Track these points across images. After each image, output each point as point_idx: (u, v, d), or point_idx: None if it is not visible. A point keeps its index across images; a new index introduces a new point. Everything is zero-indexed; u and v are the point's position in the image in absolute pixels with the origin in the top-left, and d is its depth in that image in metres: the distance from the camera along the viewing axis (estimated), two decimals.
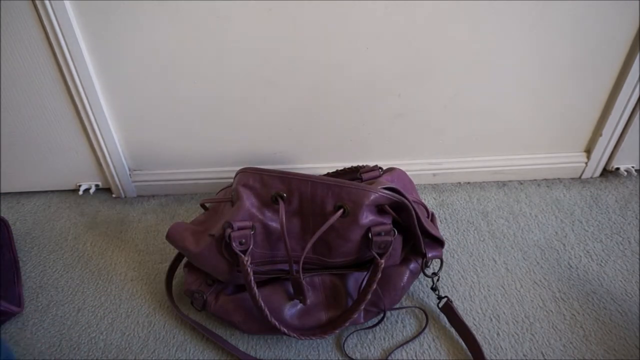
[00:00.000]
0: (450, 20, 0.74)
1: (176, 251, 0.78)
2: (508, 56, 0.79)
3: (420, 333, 0.68)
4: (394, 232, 0.62)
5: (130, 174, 0.94)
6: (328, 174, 0.78)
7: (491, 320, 0.69)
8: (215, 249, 0.64)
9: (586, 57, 0.80)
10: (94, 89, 0.80)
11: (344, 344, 0.67)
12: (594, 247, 0.80)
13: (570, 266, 0.77)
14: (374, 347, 0.67)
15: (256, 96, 0.83)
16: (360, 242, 0.62)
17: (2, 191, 0.98)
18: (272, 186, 0.63)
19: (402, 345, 0.67)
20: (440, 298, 0.69)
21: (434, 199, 0.93)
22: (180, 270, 0.78)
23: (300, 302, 0.65)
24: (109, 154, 0.89)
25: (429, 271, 0.69)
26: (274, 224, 0.63)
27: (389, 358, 0.65)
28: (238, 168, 0.93)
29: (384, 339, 0.68)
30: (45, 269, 0.82)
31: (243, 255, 0.61)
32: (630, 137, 0.88)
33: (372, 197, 0.60)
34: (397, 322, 0.70)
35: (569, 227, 0.84)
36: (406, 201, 0.61)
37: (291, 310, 0.65)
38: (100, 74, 0.80)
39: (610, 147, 0.90)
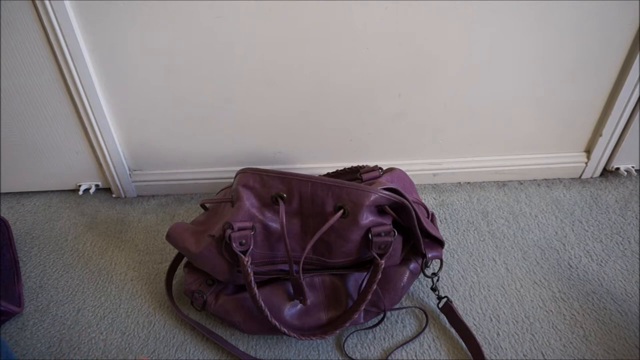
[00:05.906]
0: (450, 21, 0.74)
1: (176, 251, 0.78)
2: (508, 56, 0.79)
3: (420, 333, 0.68)
4: (394, 233, 0.62)
5: (130, 174, 0.94)
6: (328, 174, 0.78)
7: (491, 320, 0.69)
8: (215, 249, 0.64)
9: (586, 57, 0.80)
10: (94, 89, 0.80)
11: (344, 344, 0.67)
12: (594, 247, 0.80)
13: (570, 266, 0.77)
14: (374, 347, 0.67)
15: (256, 96, 0.83)
16: (360, 243, 0.62)
17: (2, 191, 0.98)
18: (272, 186, 0.63)
19: (402, 345, 0.67)
20: (440, 298, 0.69)
21: (434, 199, 0.93)
22: (180, 270, 0.78)
23: (300, 303, 0.65)
24: (109, 154, 0.89)
25: (429, 271, 0.69)
26: (274, 225, 0.63)
27: (389, 358, 0.65)
28: (238, 168, 0.93)
29: (384, 339, 0.68)
30: (45, 269, 0.82)
31: (243, 256, 0.61)
32: (630, 137, 0.88)
33: (372, 197, 0.60)
34: (397, 322, 0.70)
35: (569, 227, 0.84)
36: (406, 202, 0.60)
37: (291, 310, 0.65)
38: (100, 74, 0.80)
39: (610, 147, 0.90)
